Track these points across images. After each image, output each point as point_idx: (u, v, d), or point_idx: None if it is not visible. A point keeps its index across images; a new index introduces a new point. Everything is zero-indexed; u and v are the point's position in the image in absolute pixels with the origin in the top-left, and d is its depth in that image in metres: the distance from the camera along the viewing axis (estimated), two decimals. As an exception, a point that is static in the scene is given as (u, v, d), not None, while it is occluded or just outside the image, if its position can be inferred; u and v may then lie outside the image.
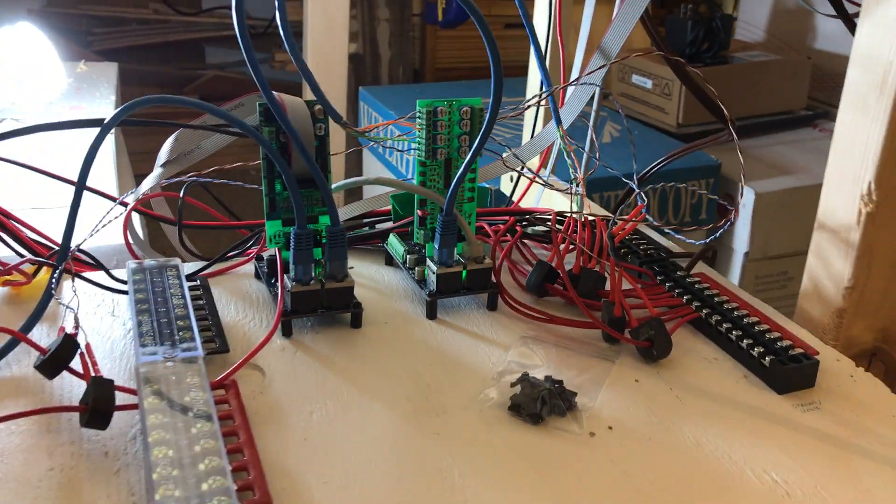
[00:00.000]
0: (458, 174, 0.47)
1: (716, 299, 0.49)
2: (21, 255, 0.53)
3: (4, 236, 0.53)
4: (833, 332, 0.50)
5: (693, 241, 0.52)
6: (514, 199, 0.70)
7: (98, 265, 0.51)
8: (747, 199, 1.08)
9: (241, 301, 0.50)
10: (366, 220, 0.60)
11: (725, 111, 0.55)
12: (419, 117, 0.48)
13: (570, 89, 0.55)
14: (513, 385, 0.42)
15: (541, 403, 0.40)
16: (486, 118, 0.45)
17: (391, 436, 0.39)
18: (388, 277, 0.54)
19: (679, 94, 1.20)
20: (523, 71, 0.89)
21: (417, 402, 0.41)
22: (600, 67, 0.53)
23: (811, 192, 0.51)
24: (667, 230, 0.53)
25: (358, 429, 0.39)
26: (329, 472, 0.36)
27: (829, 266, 0.50)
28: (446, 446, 0.38)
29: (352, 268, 0.55)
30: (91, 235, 0.48)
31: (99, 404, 0.36)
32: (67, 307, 0.44)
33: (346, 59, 1.22)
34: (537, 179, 0.56)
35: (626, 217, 0.52)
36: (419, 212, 0.51)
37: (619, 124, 1.21)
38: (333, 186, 0.51)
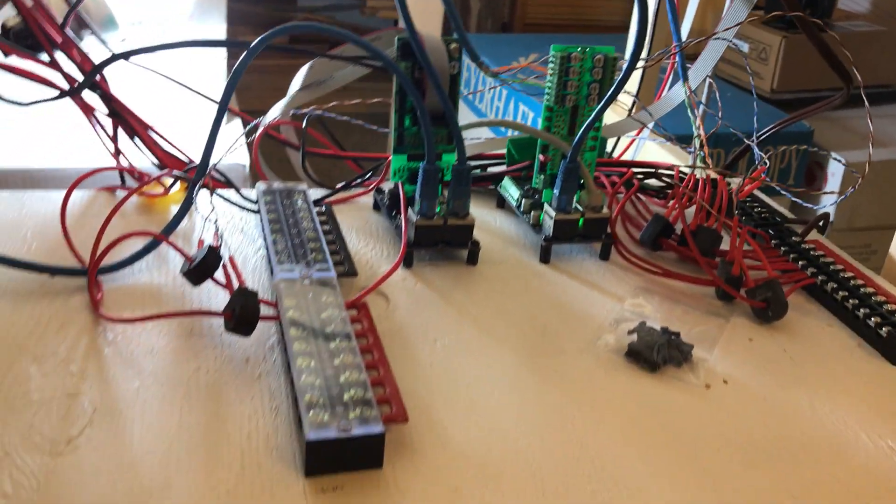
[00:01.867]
0: (586, 122, 0.48)
1: (831, 267, 0.49)
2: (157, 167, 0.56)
3: (142, 147, 0.55)
4: None
5: (813, 206, 0.52)
6: (618, 151, 0.70)
7: (229, 183, 0.53)
8: (836, 169, 1.06)
9: (362, 231, 0.52)
10: (476, 164, 0.60)
11: (858, 76, 0.54)
12: (551, 62, 0.49)
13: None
14: (629, 333, 0.43)
15: (659, 353, 0.41)
16: (625, 67, 0.45)
17: (512, 369, 0.40)
18: (500, 221, 0.55)
19: (776, 60, 1.18)
20: (611, 30, 0.89)
21: (534, 342, 0.43)
22: (735, 25, 0.52)
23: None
24: (786, 193, 0.53)
25: (479, 360, 0.41)
26: (454, 395, 0.38)
27: None
28: (564, 386, 0.39)
29: (465, 208, 0.57)
30: (227, 154, 0.50)
31: (246, 312, 0.38)
32: (208, 219, 0.46)
33: (440, 7, 1.22)
34: (660, 133, 0.56)
35: (746, 178, 0.52)
36: (541, 157, 0.52)
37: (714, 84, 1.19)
38: (461, 125, 0.52)
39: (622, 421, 0.37)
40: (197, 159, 0.49)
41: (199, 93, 0.56)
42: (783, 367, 0.42)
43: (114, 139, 0.56)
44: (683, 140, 0.60)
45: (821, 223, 0.57)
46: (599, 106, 0.48)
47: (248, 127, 0.54)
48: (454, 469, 0.34)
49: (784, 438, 0.37)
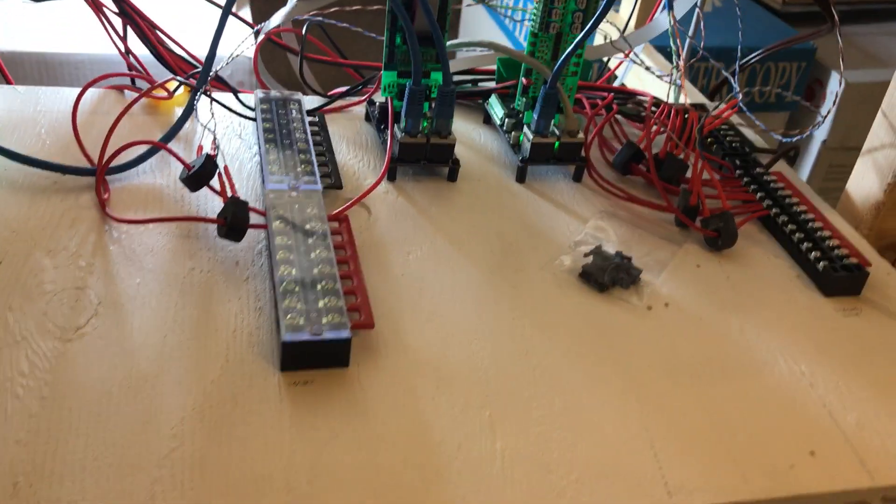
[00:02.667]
0: (567, 50, 0.50)
1: (787, 200, 0.53)
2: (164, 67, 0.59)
3: (150, 48, 0.58)
4: (868, 223, 0.54)
5: (781, 138, 0.55)
6: (606, 74, 0.73)
7: (230, 88, 0.56)
8: (835, 87, 1.07)
9: (352, 141, 0.56)
10: (466, 78, 0.63)
11: (836, 16, 0.56)
12: (538, -10, 0.51)
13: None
14: (586, 255, 0.47)
15: (608, 275, 0.45)
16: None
17: (475, 283, 0.45)
18: (485, 137, 0.59)
19: (788, -30, 1.16)
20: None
21: (499, 258, 0.47)
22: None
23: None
24: (760, 124, 0.56)
25: (446, 272, 0.45)
26: (419, 304, 0.43)
27: (877, 160, 0.54)
28: (520, 299, 0.44)
29: (452, 122, 0.60)
30: (227, 62, 0.53)
31: (236, 221, 0.43)
32: (206, 128, 0.49)
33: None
34: (638, 62, 0.59)
35: (718, 110, 0.55)
36: (524, 80, 0.55)
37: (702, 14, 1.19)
38: (448, 44, 0.54)
39: (566, 335, 0.42)
40: (202, 62, 0.52)
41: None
42: (723, 293, 0.47)
43: (123, 39, 0.59)
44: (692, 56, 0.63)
45: (791, 154, 0.60)
46: (580, 35, 0.50)
47: (248, 34, 0.56)
48: (412, 370, 0.39)
49: (709, 358, 0.42)
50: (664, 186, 0.53)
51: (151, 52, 0.59)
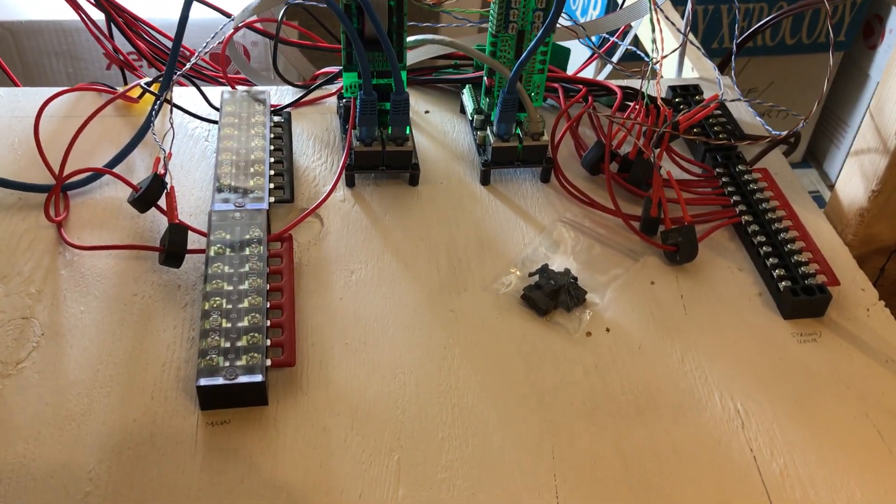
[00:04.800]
0: (524, 53, 0.48)
1: (763, 205, 0.50)
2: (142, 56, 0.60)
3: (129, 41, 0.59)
4: (854, 228, 0.51)
5: (773, 130, 0.52)
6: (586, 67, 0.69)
7: (197, 87, 0.56)
8: (894, 25, 0.99)
9: (319, 139, 0.55)
10: (448, 63, 0.61)
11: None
12: (495, -10, 0.49)
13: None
14: (531, 275, 0.46)
15: (549, 299, 0.44)
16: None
17: (412, 307, 0.45)
18: (457, 131, 0.57)
19: None
20: None
21: (444, 276, 0.46)
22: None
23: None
24: (753, 111, 0.53)
25: (386, 295, 0.45)
26: (352, 334, 0.43)
27: (863, 164, 0.51)
28: (456, 326, 0.44)
29: (427, 112, 0.59)
30: (194, 61, 0.53)
31: (173, 248, 0.44)
32: (161, 147, 0.50)
33: None
34: (604, 56, 0.56)
35: (692, 110, 0.52)
36: (486, 80, 0.53)
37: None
38: (409, 40, 0.53)
39: (494, 368, 0.42)
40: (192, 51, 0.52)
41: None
42: (672, 315, 0.45)
43: (109, 37, 0.60)
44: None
45: (791, 140, 0.56)
46: (538, 36, 0.48)
47: (218, 30, 0.56)
48: (330, 409, 0.39)
49: (639, 394, 0.41)
50: (631, 190, 0.51)
51: (134, 49, 0.60)
